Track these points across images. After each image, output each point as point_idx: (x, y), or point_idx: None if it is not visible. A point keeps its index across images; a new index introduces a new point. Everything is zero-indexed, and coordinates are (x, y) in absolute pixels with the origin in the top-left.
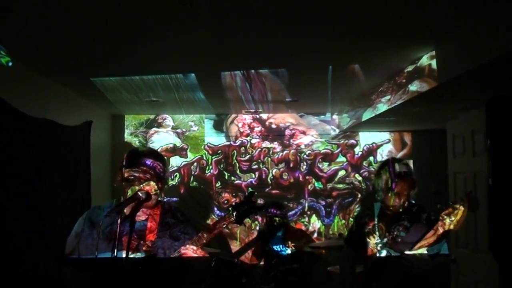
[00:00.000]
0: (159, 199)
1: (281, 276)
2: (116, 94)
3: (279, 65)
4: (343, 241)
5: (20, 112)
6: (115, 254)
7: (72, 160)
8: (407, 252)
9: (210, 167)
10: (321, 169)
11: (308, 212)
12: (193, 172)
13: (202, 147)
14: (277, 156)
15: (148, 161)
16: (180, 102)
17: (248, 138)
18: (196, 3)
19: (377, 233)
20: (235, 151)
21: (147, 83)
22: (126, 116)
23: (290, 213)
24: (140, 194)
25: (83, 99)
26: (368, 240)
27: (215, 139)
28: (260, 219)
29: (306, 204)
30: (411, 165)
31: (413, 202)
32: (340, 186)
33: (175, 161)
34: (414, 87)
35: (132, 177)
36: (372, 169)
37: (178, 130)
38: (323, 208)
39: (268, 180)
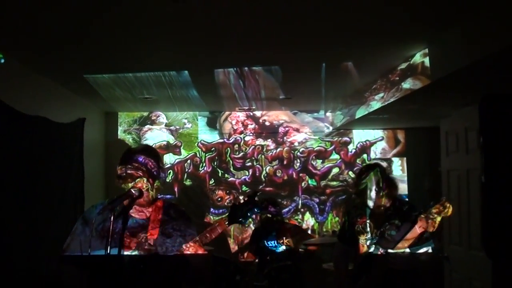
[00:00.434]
0: (157, 196)
1: (274, 273)
2: (109, 91)
3: (272, 63)
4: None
5: (13, 109)
6: (108, 252)
7: (65, 157)
8: (390, 251)
9: (204, 164)
10: (315, 166)
11: (302, 210)
12: (186, 170)
13: (196, 144)
14: (271, 153)
15: (140, 158)
16: (173, 99)
17: (242, 136)
18: (188, 0)
19: (368, 230)
20: (228, 148)
21: (140, 80)
22: (120, 113)
23: (284, 210)
24: (133, 191)
25: (76, 96)
26: (359, 237)
27: (209, 136)
28: (254, 216)
29: (300, 202)
30: (405, 163)
31: (406, 200)
32: (334, 183)
33: (169, 159)
34: (407, 84)
35: (125, 174)
36: None
37: (172, 128)
38: (316, 206)
39: (262, 177)
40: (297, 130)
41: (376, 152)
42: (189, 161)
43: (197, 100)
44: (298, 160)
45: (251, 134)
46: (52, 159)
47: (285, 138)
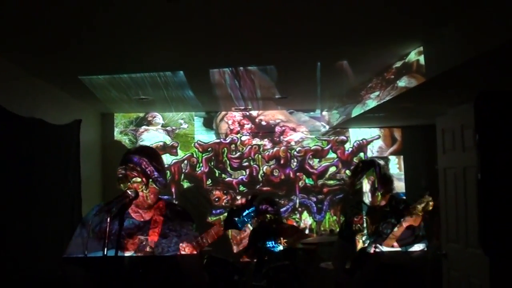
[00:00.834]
0: (157, 197)
1: (272, 273)
2: (105, 92)
3: (267, 62)
4: (335, 236)
5: (8, 111)
6: (105, 253)
7: (62, 159)
8: (385, 249)
9: (201, 164)
10: (312, 165)
11: (299, 209)
12: (183, 170)
13: (192, 144)
14: (268, 153)
15: (135, 158)
16: (169, 100)
17: (238, 136)
18: (183, 1)
19: (365, 229)
20: (225, 148)
21: (136, 81)
22: (116, 115)
23: (282, 210)
24: (129, 192)
25: (72, 98)
26: (356, 236)
27: (205, 136)
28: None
29: (297, 201)
30: (401, 161)
31: (402, 198)
32: (331, 182)
33: (166, 159)
34: (402, 83)
35: (122, 175)
36: None
37: (168, 128)
38: (314, 205)
39: (259, 177)
40: (294, 130)
41: (372, 150)
42: (186, 161)
43: (193, 101)
44: (295, 160)
45: (247, 134)
46: (48, 161)
47: (281, 137)
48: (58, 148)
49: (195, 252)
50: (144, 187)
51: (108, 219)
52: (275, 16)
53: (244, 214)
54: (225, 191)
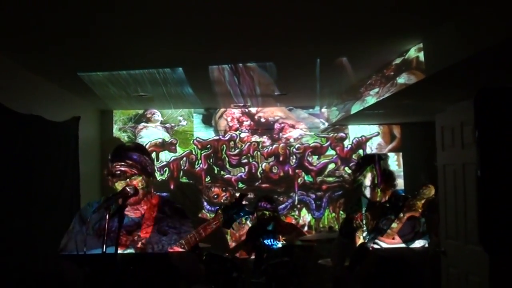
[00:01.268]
0: (152, 193)
1: (271, 270)
2: (104, 89)
3: (266, 59)
4: (334, 233)
5: (7, 108)
6: (104, 250)
7: (61, 156)
8: (384, 245)
9: (200, 161)
10: (311, 162)
11: (298, 206)
12: (182, 167)
13: (191, 141)
14: (267, 150)
15: (135, 155)
16: (168, 97)
17: (237, 132)
18: None
19: (364, 225)
20: (224, 145)
21: (135, 77)
22: (115, 112)
23: (281, 206)
24: (128, 189)
25: (70, 95)
26: (357, 232)
27: (204, 133)
28: (241, 218)
29: (296, 198)
30: (401, 158)
31: (402, 195)
32: (330, 179)
33: (164, 156)
34: (402, 79)
35: (119, 172)
36: None
37: (167, 125)
38: (313, 202)
39: (258, 174)
40: (293, 126)
41: (372, 147)
42: (184, 158)
43: (192, 97)
44: (294, 156)
45: (246, 131)
46: (47, 158)
47: (280, 134)
48: (57, 145)
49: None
50: (144, 183)
51: (107, 216)
52: (274, 13)
53: (232, 213)
54: (224, 188)
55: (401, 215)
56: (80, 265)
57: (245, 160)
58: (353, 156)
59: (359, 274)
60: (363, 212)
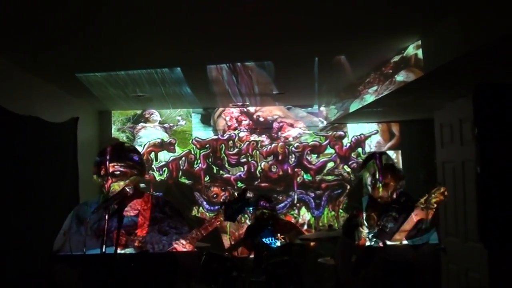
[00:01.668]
0: (148, 193)
1: (271, 269)
2: (102, 89)
3: (265, 58)
4: (334, 232)
5: (5, 109)
6: (104, 250)
7: (59, 157)
8: (388, 243)
9: (199, 161)
10: (310, 161)
11: (298, 205)
12: (181, 167)
13: (190, 141)
14: (266, 149)
15: (135, 156)
16: (166, 97)
17: (236, 132)
18: None
19: (367, 224)
20: (223, 144)
21: (133, 78)
22: (113, 112)
23: (280, 205)
24: (127, 190)
25: (68, 96)
26: (360, 231)
27: (203, 133)
28: (244, 213)
29: (296, 197)
30: (400, 156)
31: (404, 192)
32: (329, 178)
33: (163, 156)
34: (400, 77)
35: (119, 172)
36: (361, 160)
37: (166, 125)
38: (312, 200)
39: (257, 173)
40: (292, 125)
41: (371, 145)
42: (183, 158)
43: (191, 97)
44: (293, 155)
45: (245, 130)
46: (45, 159)
47: (279, 133)
48: (55, 146)
49: (192, 247)
50: (139, 183)
51: (106, 216)
52: (272, 11)
53: (236, 207)
54: (223, 188)
55: (412, 216)
56: (79, 265)
57: (244, 160)
58: (352, 155)
59: (365, 278)
60: (366, 211)
